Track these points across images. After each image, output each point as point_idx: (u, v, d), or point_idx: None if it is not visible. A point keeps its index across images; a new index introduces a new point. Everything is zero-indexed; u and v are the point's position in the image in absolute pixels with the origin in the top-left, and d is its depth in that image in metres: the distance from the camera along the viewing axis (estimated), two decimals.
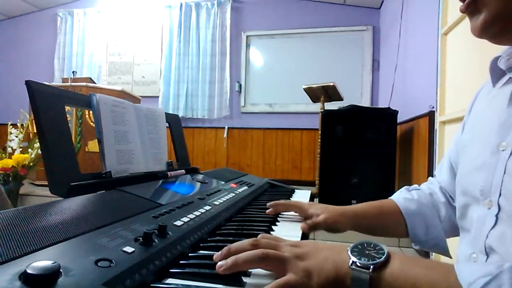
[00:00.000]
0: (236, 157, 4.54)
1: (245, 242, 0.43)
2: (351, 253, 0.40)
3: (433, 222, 0.70)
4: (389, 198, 0.76)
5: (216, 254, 0.42)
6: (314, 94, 3.22)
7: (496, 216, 0.48)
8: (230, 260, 0.39)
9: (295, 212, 0.75)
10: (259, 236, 0.47)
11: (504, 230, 0.46)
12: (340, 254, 0.41)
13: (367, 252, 0.40)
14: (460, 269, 0.35)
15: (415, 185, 0.78)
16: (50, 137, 0.59)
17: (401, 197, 0.74)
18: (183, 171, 0.96)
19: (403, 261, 0.39)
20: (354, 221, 0.70)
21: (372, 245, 0.41)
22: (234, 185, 0.98)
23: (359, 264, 0.38)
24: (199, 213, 0.62)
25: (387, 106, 2.83)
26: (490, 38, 0.50)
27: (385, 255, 0.39)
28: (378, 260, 0.38)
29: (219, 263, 0.40)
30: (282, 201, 0.77)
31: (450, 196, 0.71)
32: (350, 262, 0.39)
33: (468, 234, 0.56)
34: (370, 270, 0.37)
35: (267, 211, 0.75)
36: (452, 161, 0.69)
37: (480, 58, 1.44)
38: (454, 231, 0.69)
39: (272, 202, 0.76)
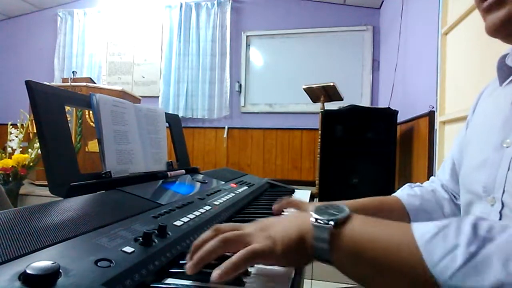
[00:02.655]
0: (236, 157, 4.54)
1: (208, 231, 0.44)
2: (314, 212, 0.41)
3: (437, 218, 0.69)
4: (392, 194, 0.76)
5: (188, 255, 0.42)
6: (314, 94, 3.22)
7: (500, 213, 0.48)
8: (195, 257, 0.39)
9: (295, 208, 0.74)
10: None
11: None
12: (304, 216, 0.42)
13: (329, 211, 0.41)
14: (416, 224, 0.36)
15: (418, 183, 0.78)
16: (50, 137, 0.59)
17: (405, 193, 0.74)
18: (183, 171, 0.96)
19: (363, 219, 0.40)
20: None
21: (335, 206, 0.42)
22: (234, 185, 0.98)
23: (320, 222, 0.39)
24: (199, 213, 0.62)
25: (387, 106, 2.83)
26: (506, 36, 0.49)
27: (346, 212, 0.40)
28: (338, 216, 0.39)
29: (187, 265, 0.39)
30: (284, 200, 0.75)
31: (453, 194, 0.71)
32: (313, 219, 0.40)
33: None
34: (331, 225, 0.38)
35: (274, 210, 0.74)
36: (455, 160, 0.69)
37: (480, 58, 1.44)
38: None
39: (277, 205, 0.74)
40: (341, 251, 0.38)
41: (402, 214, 0.71)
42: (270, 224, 0.43)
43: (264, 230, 0.42)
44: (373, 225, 0.39)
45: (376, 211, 0.71)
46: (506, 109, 0.51)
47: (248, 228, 0.43)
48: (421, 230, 0.35)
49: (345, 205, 0.42)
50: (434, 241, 0.33)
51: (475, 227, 0.33)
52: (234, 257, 0.38)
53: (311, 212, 0.41)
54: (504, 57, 0.54)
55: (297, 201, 0.74)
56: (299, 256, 0.40)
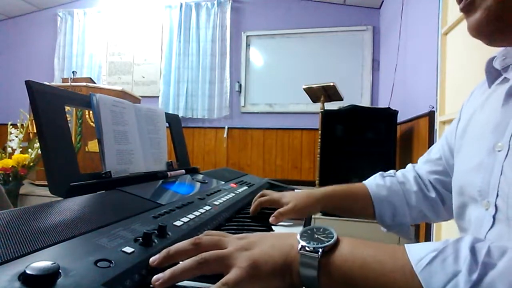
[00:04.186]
0: (236, 157, 4.54)
1: (186, 242, 0.41)
2: (300, 238, 0.39)
3: (400, 209, 0.74)
4: (362, 182, 0.79)
5: (153, 258, 0.39)
6: (314, 94, 3.22)
7: (494, 217, 0.48)
8: (167, 272, 0.36)
9: (272, 206, 0.75)
10: (204, 232, 0.45)
11: (501, 231, 0.46)
12: (288, 240, 0.40)
13: (316, 236, 0.39)
14: (410, 247, 0.35)
15: (391, 171, 0.81)
16: (50, 137, 0.59)
17: (374, 182, 0.77)
18: (183, 171, 0.95)
19: (352, 243, 0.38)
20: (322, 203, 0.73)
21: (321, 230, 0.40)
22: (234, 185, 0.98)
23: (308, 249, 0.37)
24: (199, 213, 0.62)
25: (387, 106, 2.83)
26: (484, 38, 0.50)
27: (334, 238, 0.38)
28: (327, 243, 0.38)
29: (156, 276, 0.36)
30: (257, 200, 0.76)
31: (425, 186, 0.74)
32: (299, 246, 0.38)
33: (466, 234, 0.56)
34: (319, 253, 0.37)
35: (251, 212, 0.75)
36: (443, 155, 0.71)
37: (480, 58, 1.44)
38: (422, 217, 0.74)
39: (252, 207, 0.75)
40: (330, 279, 0.36)
41: (366, 203, 0.75)
42: (254, 242, 0.40)
43: (246, 249, 0.39)
44: (364, 250, 0.37)
45: (342, 198, 0.75)
46: (497, 112, 0.51)
47: (230, 244, 0.40)
48: (417, 255, 0.34)
49: (332, 228, 0.40)
50: (432, 267, 0.32)
51: (473, 251, 0.32)
52: None
53: (297, 237, 0.39)
54: (492, 60, 0.55)
55: (272, 198, 0.75)
56: (282, 282, 0.38)
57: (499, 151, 0.48)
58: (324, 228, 0.41)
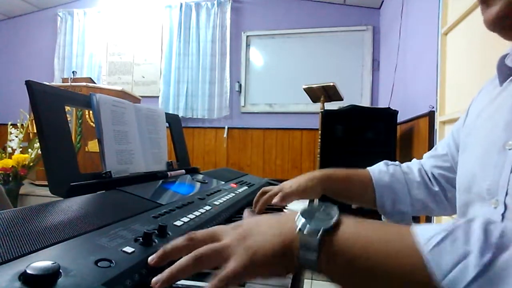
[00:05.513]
0: (236, 157, 4.53)
1: (181, 239, 0.40)
2: (300, 218, 0.37)
3: (402, 197, 0.73)
4: (367, 168, 0.79)
5: (151, 257, 0.39)
6: (314, 94, 3.22)
7: (502, 215, 0.47)
8: (165, 272, 0.36)
9: (276, 198, 0.74)
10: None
11: None
12: (287, 222, 0.38)
13: (317, 215, 0.36)
14: (417, 228, 0.33)
15: (395, 162, 0.80)
16: (50, 137, 0.59)
17: (377, 169, 0.77)
18: (183, 171, 0.96)
19: (355, 223, 0.36)
20: (323, 183, 0.72)
21: (323, 208, 0.37)
22: (234, 185, 0.98)
23: (308, 229, 0.35)
24: (199, 213, 0.62)
25: (387, 106, 2.83)
26: (502, 30, 0.49)
27: (335, 217, 0.36)
28: (327, 223, 0.35)
29: (155, 279, 0.35)
30: (260, 199, 0.74)
31: (429, 179, 0.73)
32: (299, 227, 0.36)
33: None
34: (319, 234, 0.34)
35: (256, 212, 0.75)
36: (449, 151, 0.70)
37: (480, 58, 1.44)
38: (424, 209, 0.73)
39: (257, 208, 0.74)
40: (331, 260, 0.34)
41: (367, 188, 0.74)
42: (250, 229, 0.39)
43: (243, 238, 0.37)
44: (367, 229, 0.35)
45: (343, 180, 0.75)
46: (508, 110, 0.50)
47: (226, 236, 0.39)
48: (425, 235, 0.31)
49: (334, 206, 0.37)
50: (441, 248, 0.30)
51: (486, 232, 0.30)
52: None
53: (297, 217, 0.37)
54: (504, 57, 0.54)
55: (274, 192, 0.73)
56: (282, 267, 0.36)
57: (509, 149, 0.48)
58: (325, 205, 0.37)
